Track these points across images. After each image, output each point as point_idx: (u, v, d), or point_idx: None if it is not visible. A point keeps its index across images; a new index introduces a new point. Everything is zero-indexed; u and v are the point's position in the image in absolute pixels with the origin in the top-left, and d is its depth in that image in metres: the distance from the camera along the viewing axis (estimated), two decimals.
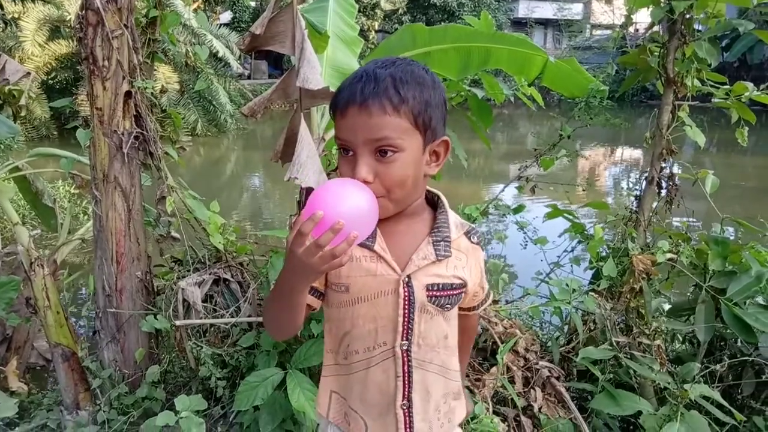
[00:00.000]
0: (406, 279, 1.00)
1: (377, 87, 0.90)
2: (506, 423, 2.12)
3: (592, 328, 2.31)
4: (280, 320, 1.01)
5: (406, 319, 1.01)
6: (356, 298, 1.02)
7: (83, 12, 2.12)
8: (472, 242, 1.09)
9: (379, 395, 1.05)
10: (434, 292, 1.02)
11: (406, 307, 1.01)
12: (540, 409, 2.14)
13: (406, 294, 1.00)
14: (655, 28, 2.39)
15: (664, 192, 2.41)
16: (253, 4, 20.48)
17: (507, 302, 2.83)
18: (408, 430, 1.06)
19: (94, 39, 2.12)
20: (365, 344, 1.04)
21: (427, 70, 0.98)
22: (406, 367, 1.03)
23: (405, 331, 1.02)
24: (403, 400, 1.04)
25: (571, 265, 2.71)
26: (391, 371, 1.04)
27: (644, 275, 2.15)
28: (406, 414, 1.05)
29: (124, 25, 2.16)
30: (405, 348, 1.02)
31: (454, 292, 1.05)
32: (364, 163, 0.92)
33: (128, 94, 2.22)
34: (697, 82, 2.28)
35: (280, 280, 0.94)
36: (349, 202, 0.87)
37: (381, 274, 1.00)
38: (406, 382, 1.04)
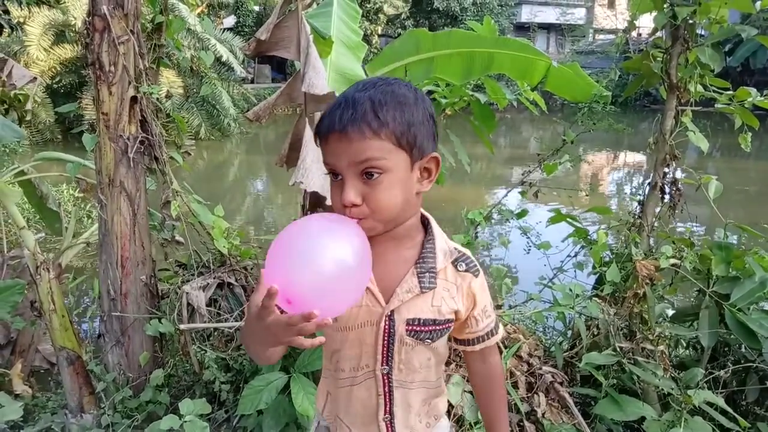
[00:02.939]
0: (389, 313, 1.01)
1: (355, 113, 0.90)
2: (510, 428, 2.12)
3: (596, 333, 2.31)
4: (256, 358, 1.02)
5: (384, 348, 1.03)
6: (344, 327, 1.03)
7: (90, 18, 2.14)
8: (458, 270, 1.06)
9: (363, 409, 1.08)
10: (414, 327, 1.02)
11: (386, 338, 1.02)
12: (543, 414, 2.14)
13: (386, 327, 1.02)
14: (659, 34, 2.39)
15: (667, 197, 2.41)
16: (256, 8, 20.56)
17: (510, 307, 2.83)
18: None
19: (100, 44, 2.14)
20: (351, 364, 1.06)
21: (409, 87, 0.97)
22: (386, 388, 1.06)
23: (384, 359, 1.04)
24: (385, 414, 1.08)
25: (575, 270, 2.71)
26: (373, 390, 1.07)
27: (648, 280, 2.15)
28: (389, 425, 1.09)
29: (131, 31, 2.18)
30: (385, 372, 1.05)
31: (437, 327, 1.04)
32: (351, 187, 0.91)
33: (134, 99, 2.23)
34: (700, 88, 2.28)
35: (246, 332, 0.93)
36: (329, 267, 0.79)
37: (366, 305, 1.01)
38: (387, 400, 1.07)
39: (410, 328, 1.02)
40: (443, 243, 1.06)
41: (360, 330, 1.02)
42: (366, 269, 0.86)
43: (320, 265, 0.79)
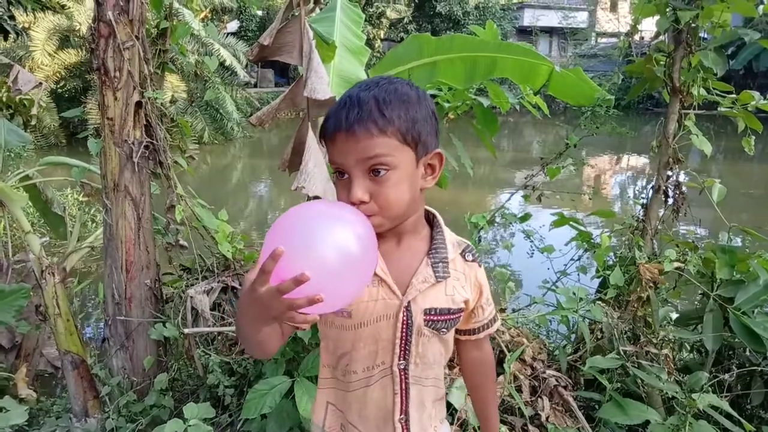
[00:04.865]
0: (407, 304, 1.01)
1: (361, 112, 0.91)
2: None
3: (600, 337, 2.30)
4: (249, 345, 0.96)
5: (403, 341, 1.02)
6: (359, 323, 1.02)
7: (95, 24, 2.15)
8: (467, 260, 1.09)
9: (377, 411, 1.07)
10: (431, 317, 1.03)
11: (404, 330, 1.02)
12: (547, 418, 2.14)
13: (405, 318, 1.01)
14: (661, 38, 2.40)
15: (670, 200, 2.41)
16: (259, 13, 20.65)
17: (514, 311, 2.83)
18: None
19: (105, 50, 2.16)
20: (365, 364, 1.04)
21: (411, 86, 0.98)
22: (403, 385, 1.05)
23: (402, 352, 1.03)
24: (400, 415, 1.06)
25: (578, 274, 2.71)
26: (389, 389, 1.05)
27: (651, 284, 2.15)
28: (404, 426, 1.07)
29: (135, 37, 2.19)
30: (402, 367, 1.04)
31: (452, 317, 1.06)
32: (359, 185, 0.92)
33: (139, 104, 2.25)
34: (702, 91, 2.28)
35: (239, 311, 0.89)
36: (328, 246, 0.74)
37: (383, 298, 1.01)
38: (404, 398, 1.06)
39: (428, 318, 1.02)
40: (450, 235, 1.09)
41: (376, 325, 1.01)
42: (371, 259, 0.83)
43: (322, 252, 0.75)
